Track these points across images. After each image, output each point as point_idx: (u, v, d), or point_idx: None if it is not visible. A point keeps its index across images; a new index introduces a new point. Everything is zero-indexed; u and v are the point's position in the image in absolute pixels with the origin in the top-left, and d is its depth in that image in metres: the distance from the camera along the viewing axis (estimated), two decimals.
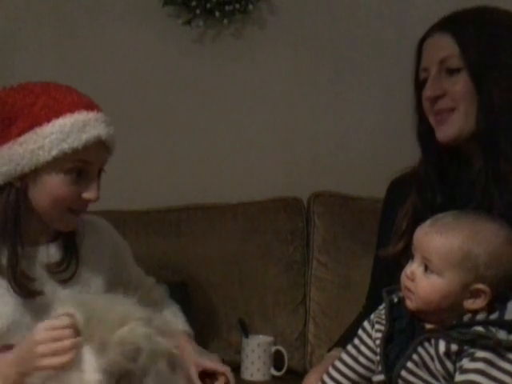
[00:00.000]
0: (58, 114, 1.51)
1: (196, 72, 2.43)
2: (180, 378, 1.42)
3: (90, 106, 1.55)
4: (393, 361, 1.39)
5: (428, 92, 1.60)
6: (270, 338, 2.22)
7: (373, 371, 1.46)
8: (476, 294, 1.36)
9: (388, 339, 1.42)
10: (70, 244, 1.63)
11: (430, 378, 1.36)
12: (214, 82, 2.44)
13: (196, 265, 2.26)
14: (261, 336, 2.23)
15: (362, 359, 1.48)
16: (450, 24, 1.60)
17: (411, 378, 1.37)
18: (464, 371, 1.31)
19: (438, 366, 1.34)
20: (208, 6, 2.36)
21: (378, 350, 1.42)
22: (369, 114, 2.50)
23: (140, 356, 1.34)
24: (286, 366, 2.20)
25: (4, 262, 1.55)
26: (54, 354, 1.34)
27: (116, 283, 1.66)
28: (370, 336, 1.47)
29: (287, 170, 2.50)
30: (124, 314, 1.37)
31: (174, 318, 1.77)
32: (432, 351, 1.35)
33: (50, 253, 1.61)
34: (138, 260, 1.81)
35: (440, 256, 1.36)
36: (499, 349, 1.30)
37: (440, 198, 1.62)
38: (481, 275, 1.35)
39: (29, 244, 1.58)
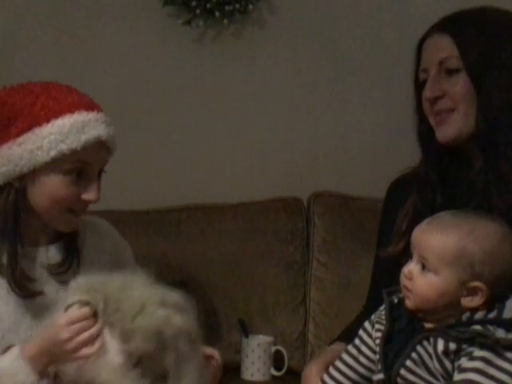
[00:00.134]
0: (57, 114, 1.51)
1: (196, 72, 2.43)
2: (199, 352, 1.43)
3: (90, 106, 1.55)
4: (392, 359, 1.39)
5: (427, 93, 1.60)
6: (270, 338, 2.22)
7: (373, 371, 1.46)
8: (473, 291, 1.36)
9: (387, 339, 1.42)
10: (72, 245, 1.62)
11: (428, 377, 1.36)
12: (214, 82, 2.44)
13: (196, 265, 2.26)
14: (261, 336, 2.23)
15: (362, 359, 1.48)
16: (449, 24, 1.60)
17: (410, 377, 1.37)
18: (462, 370, 1.31)
19: (437, 365, 1.35)
20: (208, 5, 2.36)
21: (378, 349, 1.43)
22: (369, 113, 2.50)
23: (161, 339, 1.36)
24: (285, 365, 2.20)
25: (4, 261, 1.54)
26: (83, 345, 1.36)
27: None
28: (370, 336, 1.47)
29: (287, 170, 2.50)
30: (140, 299, 1.37)
31: None
32: (431, 350, 1.35)
33: (51, 254, 1.61)
34: (137, 260, 1.81)
35: (436, 254, 1.37)
36: (497, 347, 1.31)
37: (440, 198, 1.62)
38: (477, 272, 1.35)
39: (29, 244, 1.58)
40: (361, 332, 1.50)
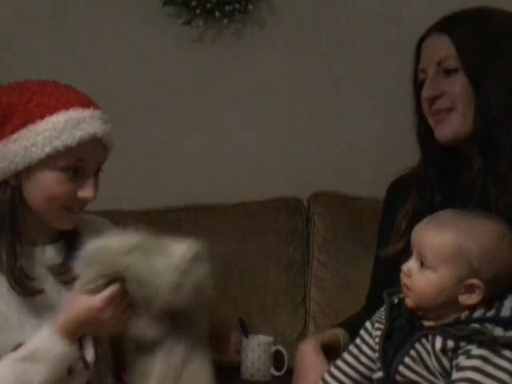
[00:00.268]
0: (52, 110, 1.50)
1: (196, 72, 2.43)
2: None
3: (86, 103, 1.54)
4: (391, 357, 1.40)
5: (425, 92, 1.60)
6: (270, 338, 2.22)
7: (374, 370, 1.47)
8: (470, 289, 1.37)
9: (387, 337, 1.43)
10: (73, 245, 1.62)
11: (427, 374, 1.37)
12: (214, 81, 2.44)
13: None
14: (261, 336, 2.23)
15: (363, 358, 1.49)
16: (448, 24, 1.60)
17: (409, 374, 1.38)
18: (460, 369, 1.32)
19: (435, 363, 1.35)
20: (208, 5, 2.36)
21: (377, 347, 1.44)
22: (369, 113, 2.50)
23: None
24: (286, 366, 2.19)
25: (4, 257, 1.53)
26: (122, 317, 1.46)
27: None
28: (371, 335, 1.48)
29: (287, 170, 2.50)
30: (156, 269, 1.43)
31: None
32: (429, 347, 1.36)
33: (51, 254, 1.60)
34: None
35: (434, 251, 1.38)
36: (495, 345, 1.31)
37: (439, 198, 1.62)
38: (474, 270, 1.36)
39: (27, 244, 1.57)
40: (362, 332, 1.51)
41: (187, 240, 1.52)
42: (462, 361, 1.32)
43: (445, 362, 1.34)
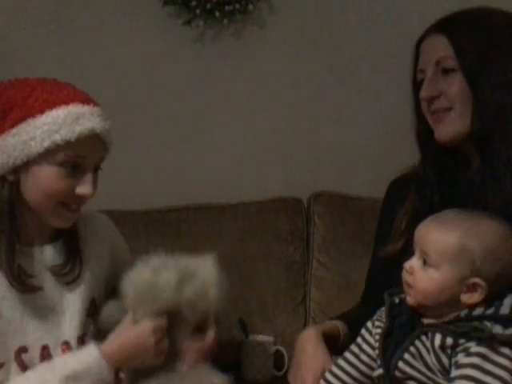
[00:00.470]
0: (51, 105, 1.50)
1: (196, 72, 2.43)
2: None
3: (86, 100, 1.54)
4: (391, 353, 1.41)
5: (424, 93, 1.61)
6: (270, 338, 2.22)
7: (374, 369, 1.48)
8: (472, 288, 1.37)
9: (387, 334, 1.44)
10: (73, 245, 1.62)
11: (426, 371, 1.38)
12: (213, 81, 2.44)
13: None
14: (261, 336, 2.23)
15: (363, 357, 1.50)
16: (446, 25, 1.61)
17: (408, 370, 1.39)
18: (459, 366, 1.33)
19: (434, 360, 1.36)
20: (208, 5, 2.36)
21: (377, 344, 1.45)
22: (369, 113, 2.50)
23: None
24: (286, 366, 2.20)
25: (2, 255, 1.52)
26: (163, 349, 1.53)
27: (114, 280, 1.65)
28: (371, 334, 1.49)
29: (287, 170, 2.50)
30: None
31: None
32: (428, 344, 1.37)
33: (50, 254, 1.59)
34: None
35: (437, 249, 1.39)
36: (493, 343, 1.32)
37: (438, 198, 1.63)
38: (477, 269, 1.37)
39: (27, 243, 1.57)
40: (363, 330, 1.52)
41: (202, 255, 1.65)
42: (461, 358, 1.33)
43: (444, 359, 1.35)
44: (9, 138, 1.50)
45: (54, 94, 1.52)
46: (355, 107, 2.51)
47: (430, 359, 1.37)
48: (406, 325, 1.43)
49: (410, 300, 1.42)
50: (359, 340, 1.51)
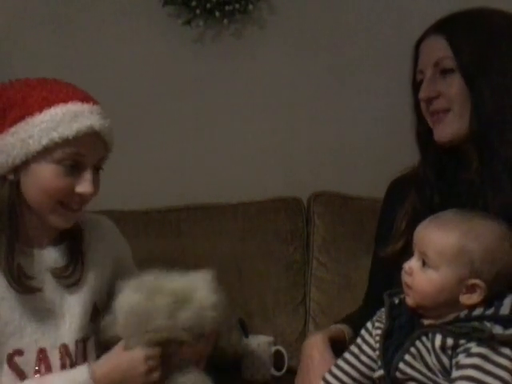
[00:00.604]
0: (50, 103, 1.50)
1: (196, 72, 2.43)
2: None
3: (85, 98, 1.54)
4: (391, 354, 1.41)
5: (422, 93, 1.61)
6: (270, 338, 2.22)
7: (374, 370, 1.48)
8: (471, 289, 1.37)
9: (387, 335, 1.44)
10: (76, 248, 1.61)
11: (427, 372, 1.38)
12: (213, 82, 2.44)
13: (196, 265, 2.25)
14: (261, 336, 2.23)
15: (363, 358, 1.50)
16: (445, 25, 1.61)
17: (409, 371, 1.39)
18: (460, 367, 1.33)
19: (434, 360, 1.36)
20: (208, 5, 2.36)
21: (378, 345, 1.44)
22: (369, 114, 2.50)
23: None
24: (286, 366, 2.20)
25: (2, 255, 1.52)
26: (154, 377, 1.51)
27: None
28: (371, 335, 1.49)
29: (287, 170, 2.50)
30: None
31: None
32: (429, 345, 1.37)
33: (54, 256, 1.59)
34: (137, 260, 1.81)
35: (436, 250, 1.39)
36: (494, 343, 1.32)
37: (438, 198, 1.63)
38: (476, 270, 1.37)
39: (27, 244, 1.57)
40: (363, 331, 1.52)
41: (198, 272, 1.61)
42: (462, 359, 1.33)
43: (444, 359, 1.35)
44: (8, 138, 1.50)
45: (53, 92, 1.52)
46: (355, 107, 2.51)
47: (431, 360, 1.37)
48: (405, 326, 1.43)
49: (410, 301, 1.42)
50: (359, 341, 1.51)
